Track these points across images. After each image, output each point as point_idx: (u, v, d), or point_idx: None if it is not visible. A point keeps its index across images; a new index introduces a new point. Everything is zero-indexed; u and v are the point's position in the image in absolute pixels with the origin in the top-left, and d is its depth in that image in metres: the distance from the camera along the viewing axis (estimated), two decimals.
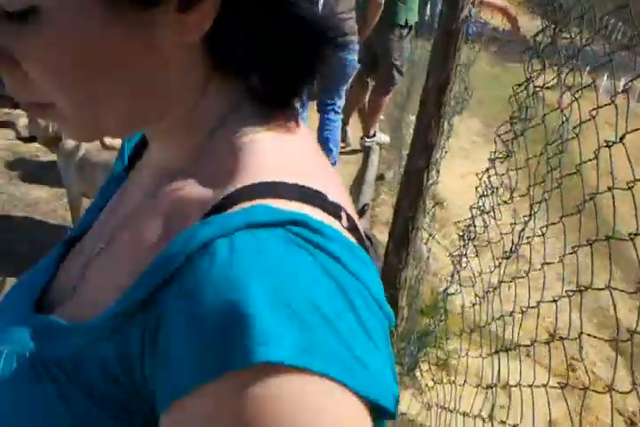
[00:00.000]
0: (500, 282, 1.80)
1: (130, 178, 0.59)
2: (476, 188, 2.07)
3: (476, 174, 2.07)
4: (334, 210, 0.44)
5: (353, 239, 0.43)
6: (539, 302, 1.47)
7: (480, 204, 2.04)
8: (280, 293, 0.36)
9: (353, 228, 0.45)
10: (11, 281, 2.76)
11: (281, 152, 0.46)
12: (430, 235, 2.88)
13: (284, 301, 0.35)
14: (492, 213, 1.96)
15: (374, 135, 4.85)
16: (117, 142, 3.30)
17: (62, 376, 0.42)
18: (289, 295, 0.36)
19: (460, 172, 4.32)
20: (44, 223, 3.23)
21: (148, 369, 0.39)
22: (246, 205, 0.40)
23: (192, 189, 0.46)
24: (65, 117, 0.45)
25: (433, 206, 2.94)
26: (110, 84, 0.43)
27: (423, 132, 2.53)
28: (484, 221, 2.02)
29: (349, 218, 0.45)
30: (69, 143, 2.96)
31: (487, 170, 2.00)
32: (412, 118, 3.50)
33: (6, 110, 4.28)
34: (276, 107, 0.49)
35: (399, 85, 4.77)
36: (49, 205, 3.39)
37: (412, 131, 2.75)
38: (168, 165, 0.50)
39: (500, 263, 1.83)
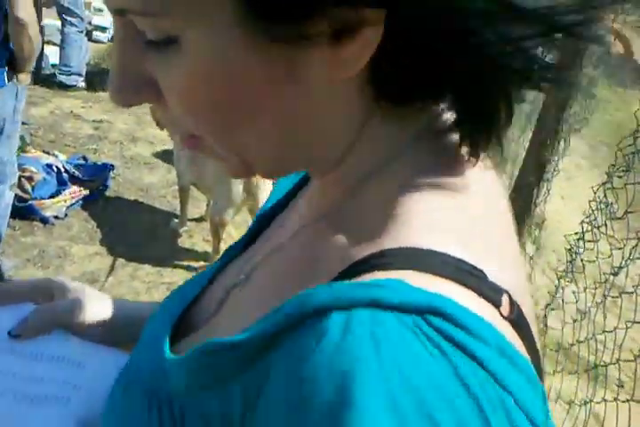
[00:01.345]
0: (605, 297, 1.73)
1: (289, 209, 0.54)
2: (590, 202, 2.00)
3: (591, 187, 2.00)
4: (493, 295, 0.34)
5: (514, 338, 0.34)
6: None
7: (592, 218, 1.97)
8: (389, 396, 0.29)
9: (519, 321, 0.35)
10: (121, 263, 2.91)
11: (441, 207, 0.38)
12: (529, 255, 2.80)
13: (393, 407, 0.28)
14: (602, 229, 1.89)
15: None
16: None
17: (168, 417, 0.41)
18: (400, 401, 0.29)
19: (562, 193, 4.17)
20: (153, 208, 3.39)
21: None
22: (380, 275, 0.34)
23: (335, 237, 0.40)
24: (218, 153, 0.41)
25: (536, 227, 2.85)
26: (250, 122, 0.38)
27: (537, 148, 2.47)
28: (593, 235, 1.95)
29: (513, 306, 0.35)
30: None
31: (604, 184, 1.93)
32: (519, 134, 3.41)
33: None
34: (455, 146, 0.41)
35: None
36: (159, 191, 3.55)
37: (519, 149, 2.68)
38: (322, 202, 0.45)
39: (606, 280, 1.76)
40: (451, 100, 0.41)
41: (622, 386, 2.38)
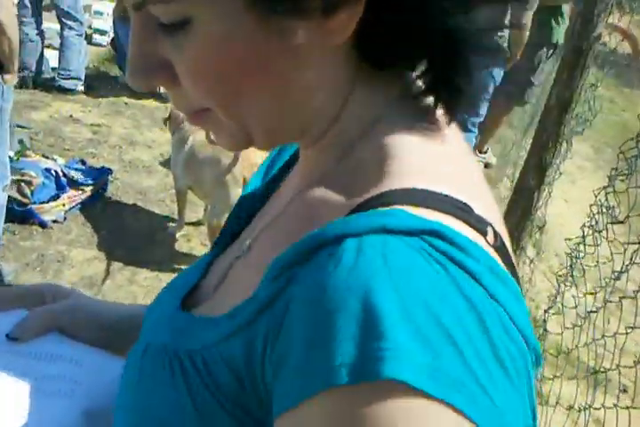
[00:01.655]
0: (606, 302, 1.71)
1: (283, 184, 0.58)
2: (590, 206, 1.99)
3: (593, 191, 1.98)
4: (479, 225, 0.39)
5: (500, 261, 0.39)
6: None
7: (593, 222, 1.96)
8: (403, 306, 0.32)
9: (501, 248, 0.41)
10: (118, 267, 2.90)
11: (428, 156, 0.43)
12: (530, 259, 2.78)
13: (407, 315, 0.32)
14: (603, 233, 1.87)
15: (486, 152, 4.77)
16: None
17: (192, 371, 0.42)
18: (413, 310, 0.32)
19: (565, 197, 4.16)
20: (151, 212, 3.38)
21: (268, 375, 0.37)
22: (384, 209, 0.38)
23: (331, 193, 0.44)
24: (221, 124, 0.45)
25: (537, 230, 2.83)
26: (254, 90, 0.43)
27: (538, 151, 2.45)
28: (595, 239, 1.93)
29: (497, 236, 0.41)
30: (182, 132, 3.09)
31: (605, 187, 1.92)
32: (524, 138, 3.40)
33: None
34: (430, 108, 0.46)
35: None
36: (157, 194, 3.54)
37: (520, 152, 2.66)
38: (314, 169, 0.49)
39: (606, 284, 1.75)
40: (424, 67, 0.46)
41: (626, 391, 2.36)
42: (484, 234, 0.39)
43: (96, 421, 0.55)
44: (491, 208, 0.44)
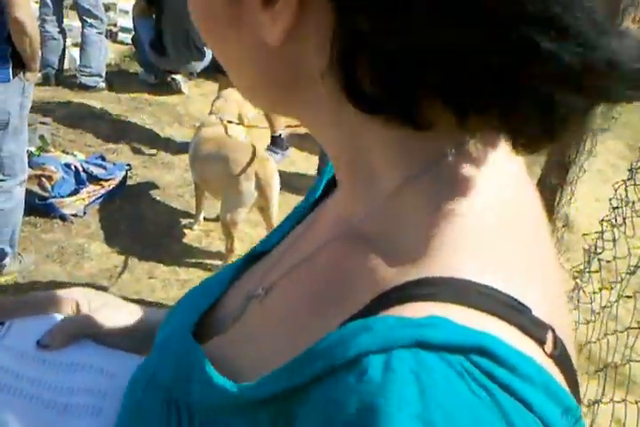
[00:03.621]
0: (620, 297, 1.69)
1: (317, 213, 0.52)
2: (610, 199, 1.95)
3: (613, 185, 1.95)
4: (536, 330, 0.33)
5: (556, 374, 0.33)
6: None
7: (612, 216, 1.92)
8: None
9: (562, 357, 0.35)
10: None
11: (481, 230, 0.36)
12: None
13: None
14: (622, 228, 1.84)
15: None
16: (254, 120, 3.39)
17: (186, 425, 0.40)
18: None
19: (595, 195, 4.10)
20: (170, 207, 3.40)
21: None
22: (421, 309, 0.32)
23: (357, 262, 0.38)
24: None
25: (562, 227, 2.79)
26: (230, 49, 0.42)
27: (560, 148, 2.41)
28: (613, 234, 1.90)
29: (557, 342, 0.34)
30: (201, 127, 3.11)
31: (626, 180, 1.88)
32: None
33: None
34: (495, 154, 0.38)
35: None
36: (176, 190, 3.56)
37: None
38: (344, 215, 0.43)
39: (622, 279, 1.72)
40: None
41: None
42: (542, 343, 0.33)
43: None
44: (553, 296, 0.37)
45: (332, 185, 0.53)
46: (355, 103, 0.36)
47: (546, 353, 0.33)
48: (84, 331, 0.59)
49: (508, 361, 0.30)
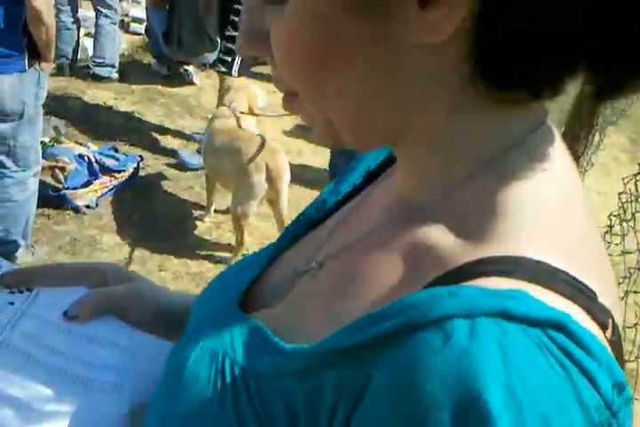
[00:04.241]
0: (627, 292, 1.69)
1: (366, 196, 0.53)
2: (619, 194, 1.94)
3: (622, 179, 1.93)
4: (602, 316, 0.35)
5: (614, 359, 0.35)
6: None
7: (621, 211, 1.91)
8: (519, 416, 0.29)
9: (616, 344, 0.36)
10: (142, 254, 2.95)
11: (540, 212, 0.38)
12: None
13: (521, 418, 0.29)
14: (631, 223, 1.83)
15: None
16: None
17: (244, 395, 0.40)
18: (527, 413, 0.29)
19: (599, 189, 4.07)
20: (181, 199, 3.42)
21: None
22: (503, 283, 0.33)
23: (431, 236, 0.39)
24: (309, 113, 0.42)
25: None
26: (338, 79, 0.39)
27: (570, 142, 2.41)
28: (622, 228, 1.89)
29: (615, 328, 0.36)
30: (214, 119, 3.11)
31: (636, 175, 1.87)
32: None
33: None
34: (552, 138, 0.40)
35: None
36: (187, 181, 3.58)
37: None
38: (408, 197, 0.44)
39: (630, 274, 1.71)
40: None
41: None
42: (605, 327, 0.35)
43: (141, 417, 0.51)
44: (609, 285, 0.39)
45: (379, 171, 0.55)
46: (491, 82, 0.37)
47: (606, 338, 0.35)
48: (110, 305, 0.59)
49: (581, 339, 0.32)
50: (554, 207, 0.38)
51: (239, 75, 3.57)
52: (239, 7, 3.49)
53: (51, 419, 0.50)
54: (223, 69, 3.67)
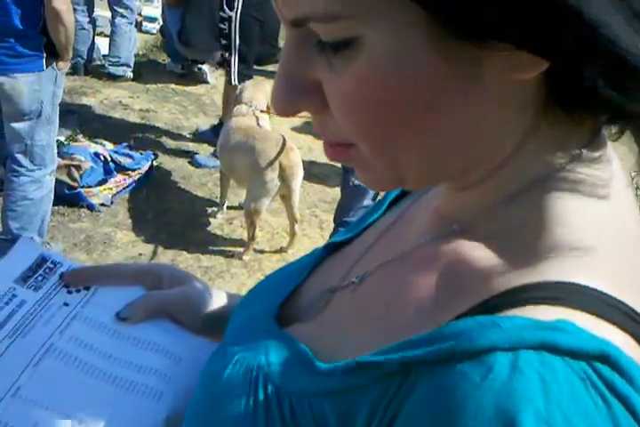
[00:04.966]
0: None
1: (401, 212, 0.51)
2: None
3: (630, 173, 1.92)
4: None
5: None
6: None
7: None
8: None
9: None
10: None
11: (602, 239, 0.36)
12: None
13: None
14: None
15: None
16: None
17: (277, 412, 0.39)
18: None
19: None
20: (195, 196, 3.46)
21: None
22: (549, 313, 0.33)
23: (475, 257, 0.38)
24: (366, 162, 0.39)
25: None
26: (416, 132, 0.36)
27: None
28: None
29: None
30: (231, 117, 3.13)
31: None
32: None
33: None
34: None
35: None
36: (201, 179, 3.61)
37: None
38: (451, 215, 0.43)
39: None
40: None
41: None
42: None
43: (178, 423, 0.51)
44: None
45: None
46: (555, 100, 0.36)
47: None
48: (163, 308, 0.59)
49: (628, 372, 0.31)
50: (605, 230, 0.37)
51: (239, 80, 3.60)
52: (224, 15, 3.53)
53: (88, 421, 0.51)
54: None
